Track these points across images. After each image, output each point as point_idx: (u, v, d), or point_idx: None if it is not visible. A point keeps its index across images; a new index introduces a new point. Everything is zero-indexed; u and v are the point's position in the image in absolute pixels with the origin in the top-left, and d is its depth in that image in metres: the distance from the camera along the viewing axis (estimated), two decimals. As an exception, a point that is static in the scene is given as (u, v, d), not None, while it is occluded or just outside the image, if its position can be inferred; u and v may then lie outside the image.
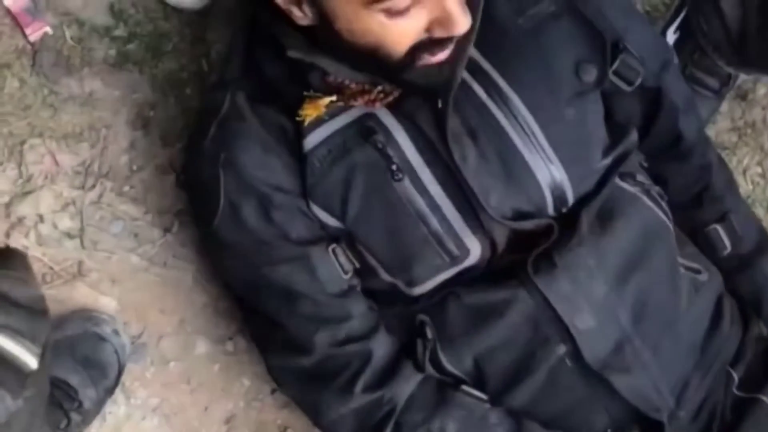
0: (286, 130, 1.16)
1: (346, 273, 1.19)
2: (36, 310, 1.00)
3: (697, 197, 1.34)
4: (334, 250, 1.18)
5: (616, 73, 1.23)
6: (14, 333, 0.95)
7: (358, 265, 1.19)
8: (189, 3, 1.42)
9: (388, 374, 1.19)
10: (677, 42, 1.52)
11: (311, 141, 1.15)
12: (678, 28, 1.53)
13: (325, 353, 1.18)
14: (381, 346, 1.20)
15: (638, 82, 1.25)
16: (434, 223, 1.16)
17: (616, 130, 1.26)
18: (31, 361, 0.96)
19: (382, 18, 1.00)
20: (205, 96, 1.28)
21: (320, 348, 1.18)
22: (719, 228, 1.33)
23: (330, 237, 1.19)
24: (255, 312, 1.23)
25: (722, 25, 1.45)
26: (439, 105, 1.13)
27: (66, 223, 1.38)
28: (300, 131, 1.15)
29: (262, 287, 1.19)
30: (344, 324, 1.19)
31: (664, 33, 1.53)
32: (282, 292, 1.18)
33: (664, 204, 1.26)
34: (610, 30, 1.22)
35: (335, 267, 1.18)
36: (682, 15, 1.53)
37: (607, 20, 1.22)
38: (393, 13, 1.00)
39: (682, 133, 1.31)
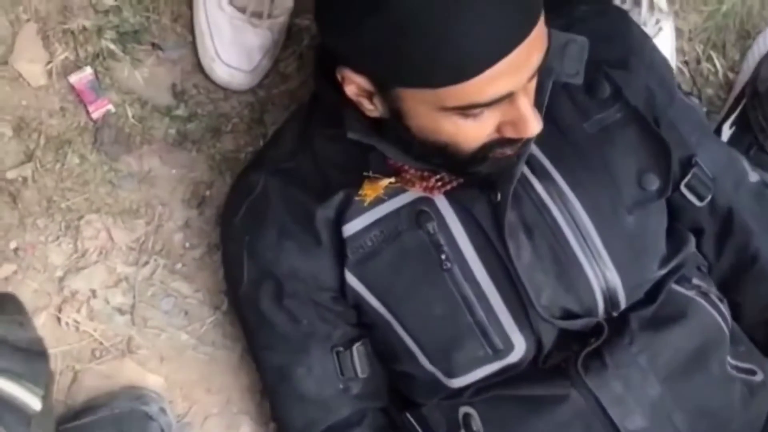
0: (317, 216, 1.17)
1: (343, 375, 1.21)
2: (34, 352, 1.02)
3: None
4: (337, 352, 1.21)
5: (687, 186, 1.23)
6: (15, 376, 0.97)
7: (367, 372, 1.22)
8: (237, 84, 1.44)
9: None
10: (732, 137, 1.50)
11: (358, 224, 1.16)
12: (734, 123, 1.52)
13: None
14: None
15: (709, 197, 1.24)
16: (480, 313, 1.15)
17: (675, 239, 1.24)
18: (35, 403, 0.97)
19: (456, 119, 1.01)
20: (242, 173, 1.30)
21: None
22: None
23: (351, 325, 1.22)
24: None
25: None
26: (498, 198, 1.13)
27: (118, 298, 1.39)
28: (341, 215, 1.16)
29: (259, 367, 1.29)
30: (326, 418, 1.23)
31: (719, 127, 1.52)
32: (276, 377, 1.25)
33: (722, 307, 1.24)
34: (682, 144, 1.22)
35: (333, 368, 1.21)
36: (738, 109, 1.52)
37: (679, 134, 1.23)
38: (467, 115, 1.01)
39: (757, 254, 1.27)
